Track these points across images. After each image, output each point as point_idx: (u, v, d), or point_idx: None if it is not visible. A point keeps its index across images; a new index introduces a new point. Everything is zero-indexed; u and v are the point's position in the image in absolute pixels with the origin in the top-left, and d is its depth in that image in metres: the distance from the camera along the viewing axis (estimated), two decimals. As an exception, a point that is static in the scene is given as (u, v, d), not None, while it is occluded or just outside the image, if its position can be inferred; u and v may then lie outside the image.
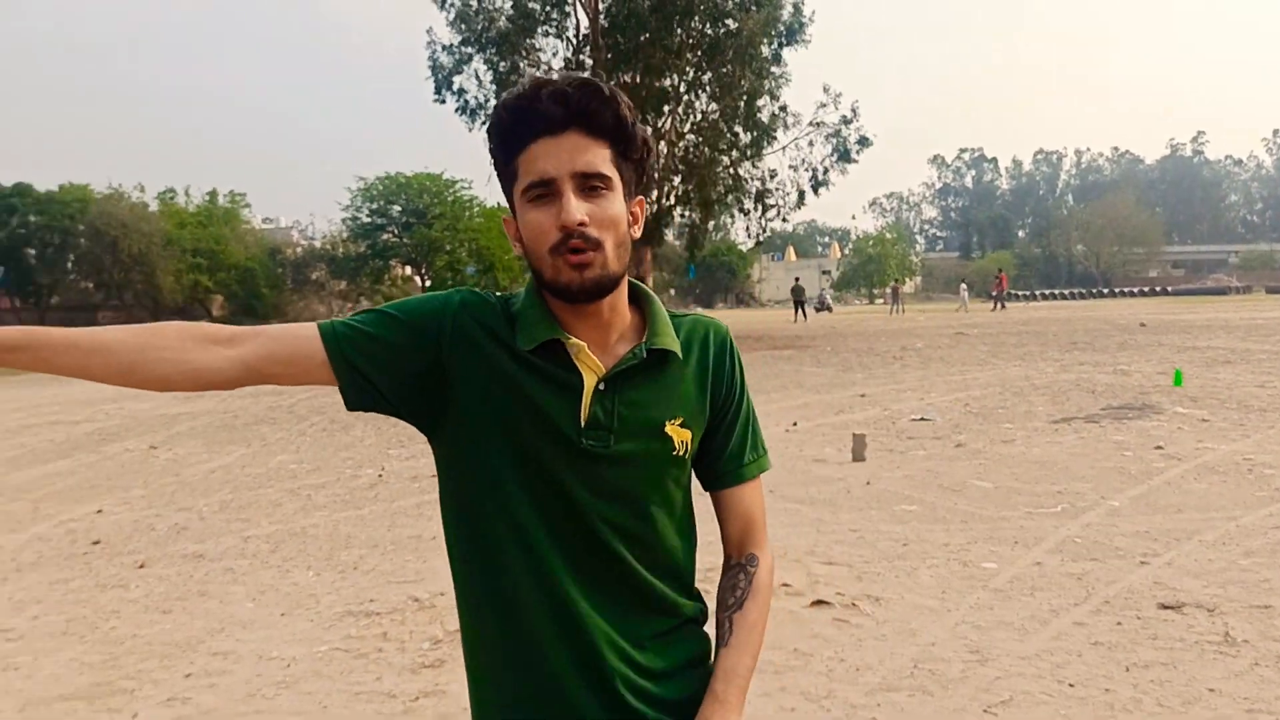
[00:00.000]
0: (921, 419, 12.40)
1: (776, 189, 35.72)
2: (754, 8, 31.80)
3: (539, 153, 1.54)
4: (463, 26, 33.96)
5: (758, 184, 35.59)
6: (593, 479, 1.61)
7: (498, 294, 1.69)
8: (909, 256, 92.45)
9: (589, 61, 34.07)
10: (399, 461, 10.91)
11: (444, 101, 34.51)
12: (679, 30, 32.58)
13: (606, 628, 1.64)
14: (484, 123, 34.97)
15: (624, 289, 1.66)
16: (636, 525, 1.65)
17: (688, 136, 34.72)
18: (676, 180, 34.80)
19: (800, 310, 46.27)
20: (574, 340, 1.61)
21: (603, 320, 1.63)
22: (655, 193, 34.19)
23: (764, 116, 34.26)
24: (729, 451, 1.74)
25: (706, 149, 34.16)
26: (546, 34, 34.67)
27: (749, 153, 34.78)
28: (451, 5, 33.87)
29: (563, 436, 1.60)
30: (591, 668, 1.63)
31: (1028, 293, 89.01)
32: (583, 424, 1.60)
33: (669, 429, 1.65)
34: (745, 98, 33.46)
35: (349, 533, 7.85)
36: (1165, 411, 12.10)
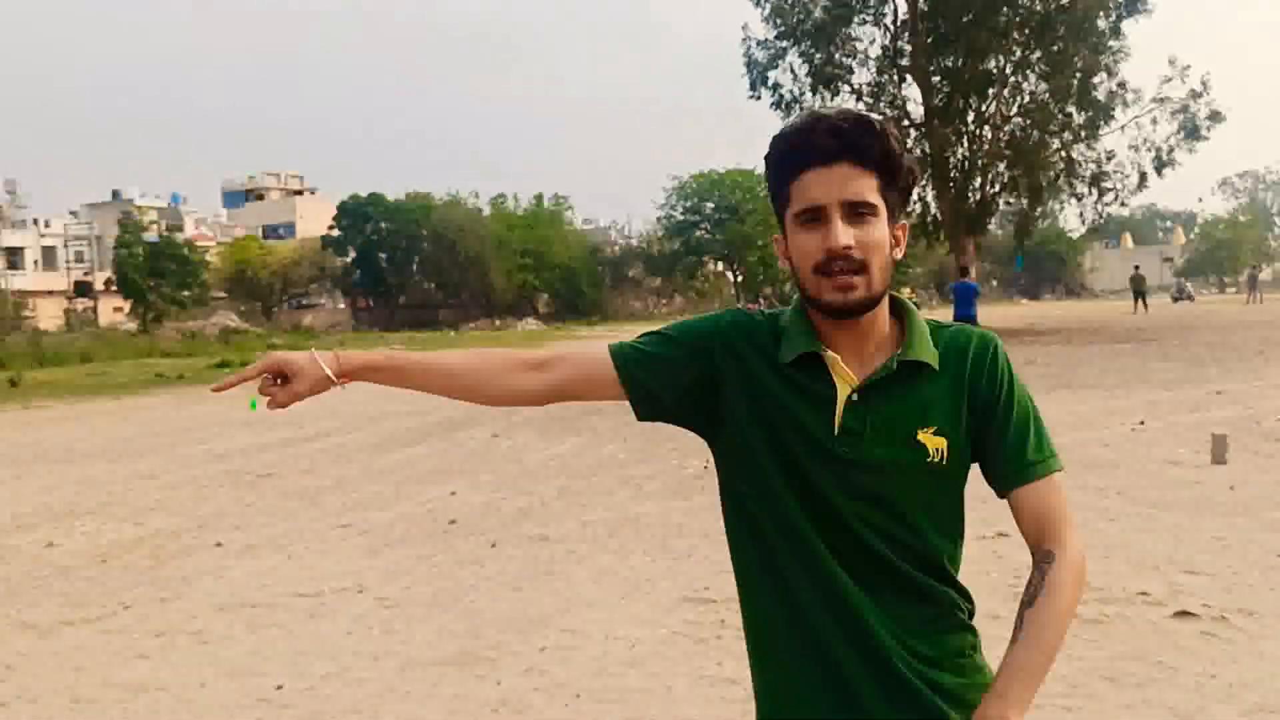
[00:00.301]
0: (1291, 419, 11.20)
1: (1114, 171, 33.50)
2: (1092, -21, 29.96)
3: (811, 181, 1.68)
4: (778, 21, 34.00)
5: (1093, 166, 33.48)
6: (848, 483, 1.72)
7: (766, 311, 1.85)
8: (1267, 241, 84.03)
9: (907, 48, 33.26)
10: (724, 453, 11.07)
11: (759, 97, 34.71)
12: (1005, 9, 31.15)
13: (878, 614, 1.73)
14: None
15: (884, 303, 1.77)
16: (894, 527, 1.74)
17: (1014, 120, 33.16)
18: (1002, 166, 33.32)
19: (1141, 301, 43.02)
20: (829, 353, 1.74)
21: (861, 332, 1.75)
22: (979, 180, 32.90)
23: (1100, 94, 32.15)
24: (1006, 454, 1.77)
25: (1035, 131, 32.48)
26: (863, 22, 34.13)
27: (1083, 134, 32.75)
28: (766, 1, 34.01)
29: (818, 443, 1.73)
30: (869, 651, 1.73)
31: None
32: (836, 432, 1.72)
33: (921, 436, 1.73)
34: (1079, 75, 31.55)
35: (680, 521, 8.05)
36: None
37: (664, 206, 74.24)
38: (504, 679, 4.96)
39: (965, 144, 33.61)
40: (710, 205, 72.25)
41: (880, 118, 1.72)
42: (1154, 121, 32.86)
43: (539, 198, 75.12)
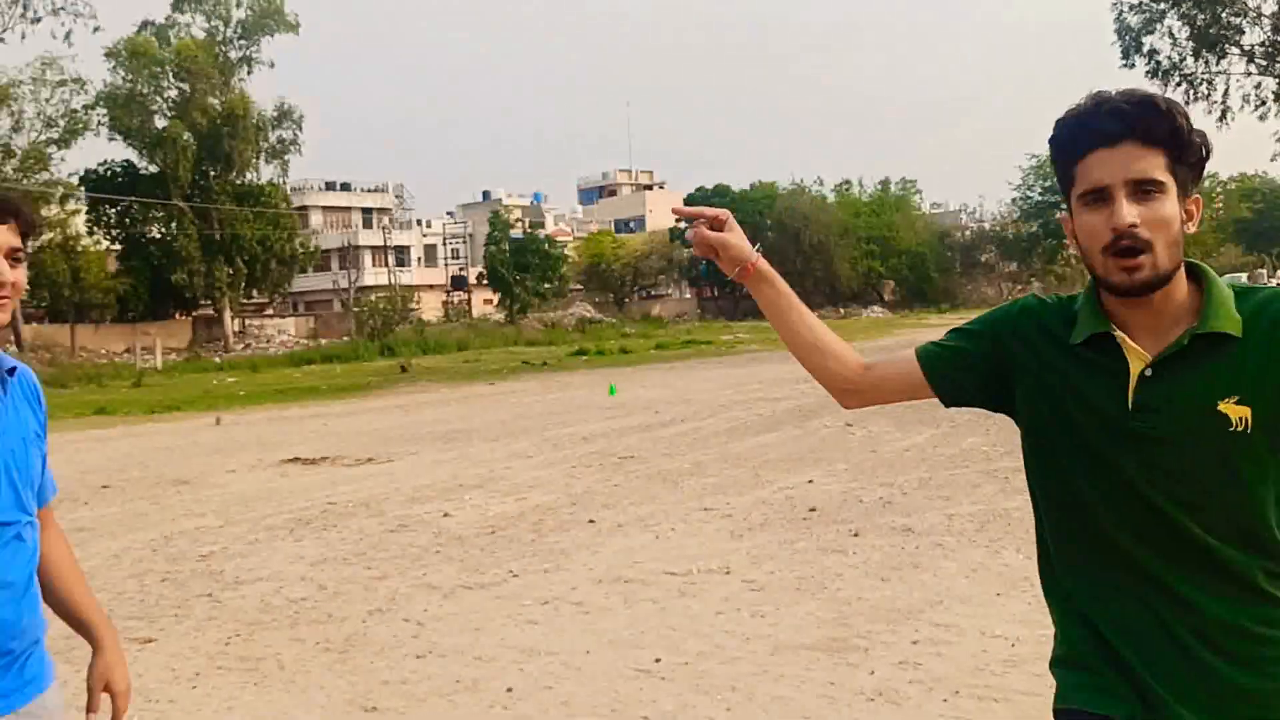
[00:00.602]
0: None
1: None
2: None
3: (1095, 162, 1.69)
4: (1156, -20, 31.41)
5: None
6: (1148, 459, 1.71)
7: (1061, 296, 1.88)
8: None
9: (1307, 0, 29.74)
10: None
11: (1132, 66, 32.27)
12: None
13: (1179, 590, 1.72)
14: (1177, 83, 32.11)
15: (1181, 274, 1.74)
16: (1201, 499, 1.70)
17: None
18: None
19: None
20: (1118, 333, 1.74)
21: (1154, 308, 1.73)
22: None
23: None
24: None
25: None
26: (1259, -26, 30.82)
27: None
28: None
29: (1111, 420, 1.73)
30: (1166, 629, 1.73)
31: None
32: (1130, 408, 1.71)
33: (1223, 407, 1.69)
34: None
35: (1053, 517, 7.62)
36: None
37: (1020, 187, 70.74)
38: (877, 669, 4.90)
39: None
40: (1070, 185, 68.09)
41: (1166, 96, 1.72)
42: None
43: (885, 183, 73.83)
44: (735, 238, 2.01)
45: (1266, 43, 31.19)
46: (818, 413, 14.66)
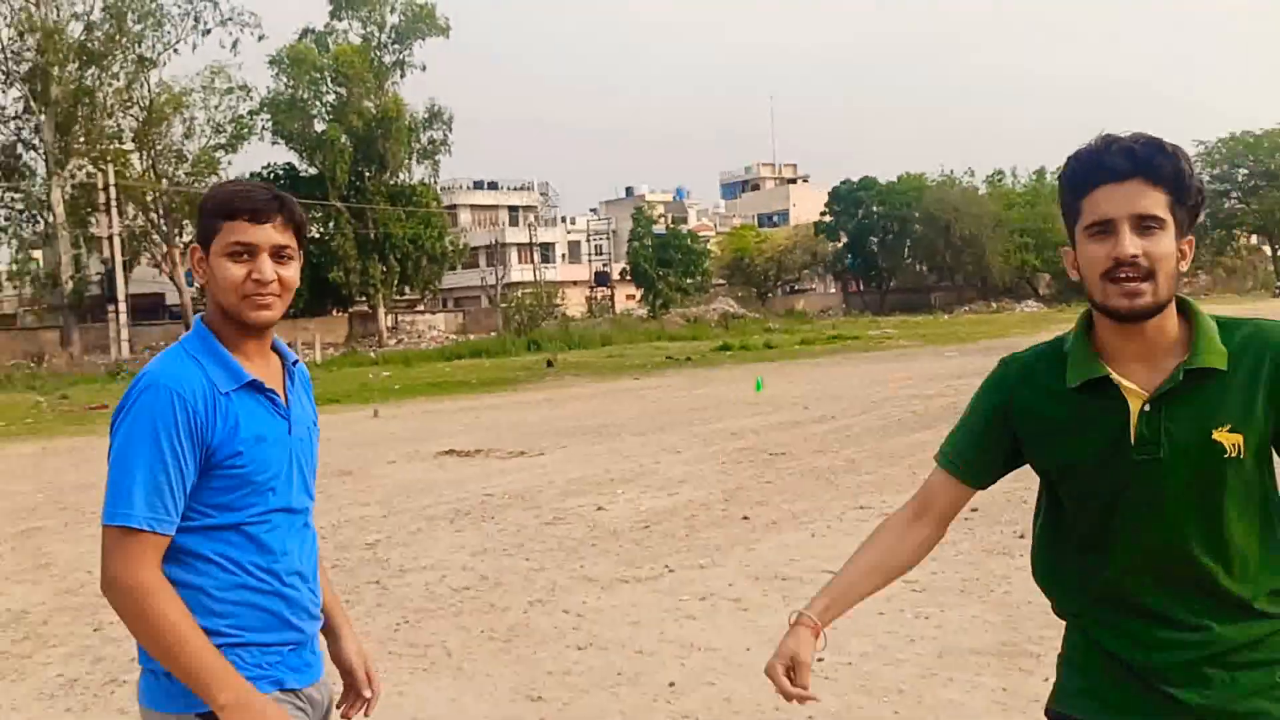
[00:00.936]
0: None
1: None
2: None
3: (1102, 196, 1.81)
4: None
5: None
6: (1152, 489, 1.84)
7: (1041, 344, 2.04)
8: None
9: None
10: None
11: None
12: None
13: (1180, 620, 1.87)
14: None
15: (1172, 308, 1.86)
16: (1204, 526, 1.83)
17: None
18: None
19: None
20: (1114, 376, 1.86)
21: (1148, 338, 1.85)
22: None
23: None
24: None
25: None
26: None
27: None
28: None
29: (1117, 456, 1.85)
30: (1168, 651, 1.87)
31: None
32: (1133, 442, 1.84)
33: (1217, 435, 1.81)
34: None
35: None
36: None
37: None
38: (1051, 676, 4.71)
39: None
40: (1243, 171, 64.57)
41: (1173, 142, 1.84)
42: None
43: (1040, 173, 71.39)
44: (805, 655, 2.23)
45: None
46: (973, 410, 14.26)
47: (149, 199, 43.72)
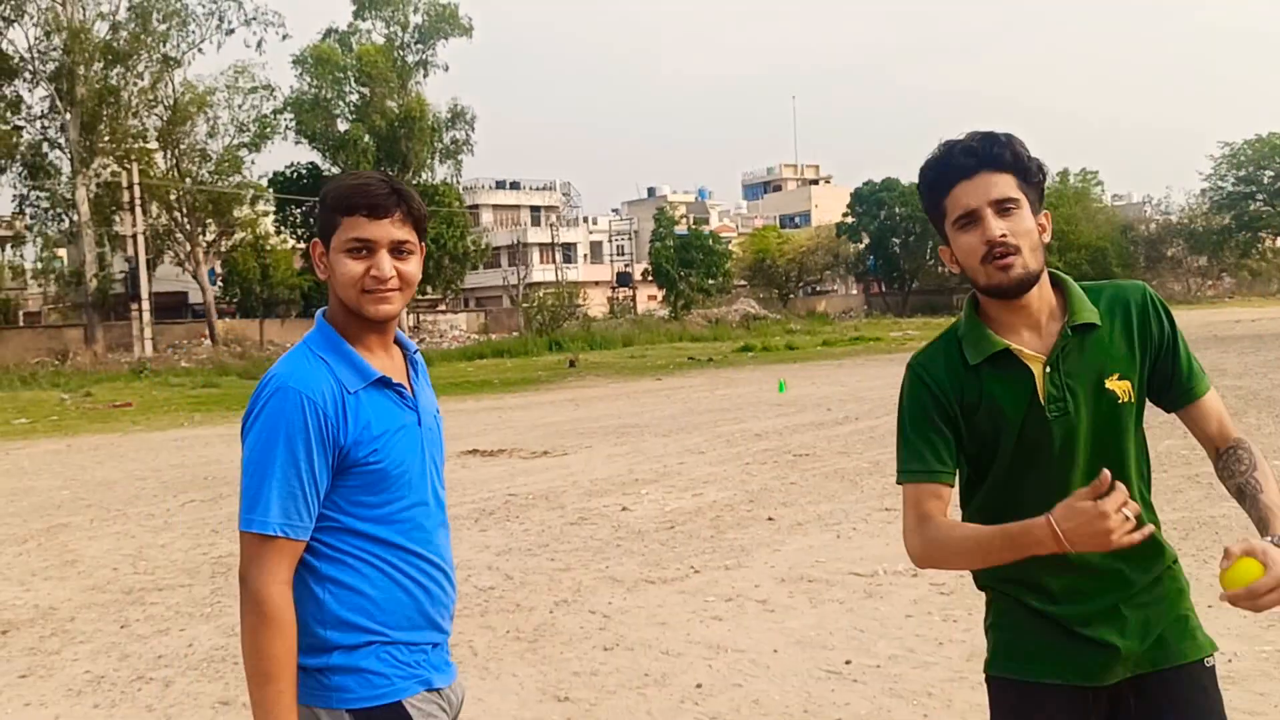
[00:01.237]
0: None
1: None
2: None
3: (960, 192, 2.04)
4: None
5: None
6: (1067, 439, 2.04)
7: (934, 340, 2.19)
8: None
9: None
10: (1310, 453, 9.73)
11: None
12: None
13: (1096, 566, 2.04)
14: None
15: (1045, 280, 2.09)
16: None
17: None
18: None
19: None
20: (1013, 346, 2.06)
21: (1032, 308, 2.07)
22: None
23: None
24: (1178, 378, 2.12)
25: None
26: None
27: None
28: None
29: (1031, 414, 2.05)
30: (1087, 593, 2.07)
31: None
32: (1044, 399, 2.04)
33: (1109, 384, 2.06)
34: None
35: (1266, 527, 7.17)
36: None
37: (1211, 177, 66.93)
38: (1082, 681, 4.68)
39: None
40: (1269, 174, 63.91)
41: (1005, 131, 2.07)
42: None
43: (1063, 174, 70.95)
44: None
45: None
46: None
47: (173, 198, 43.92)
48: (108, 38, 40.73)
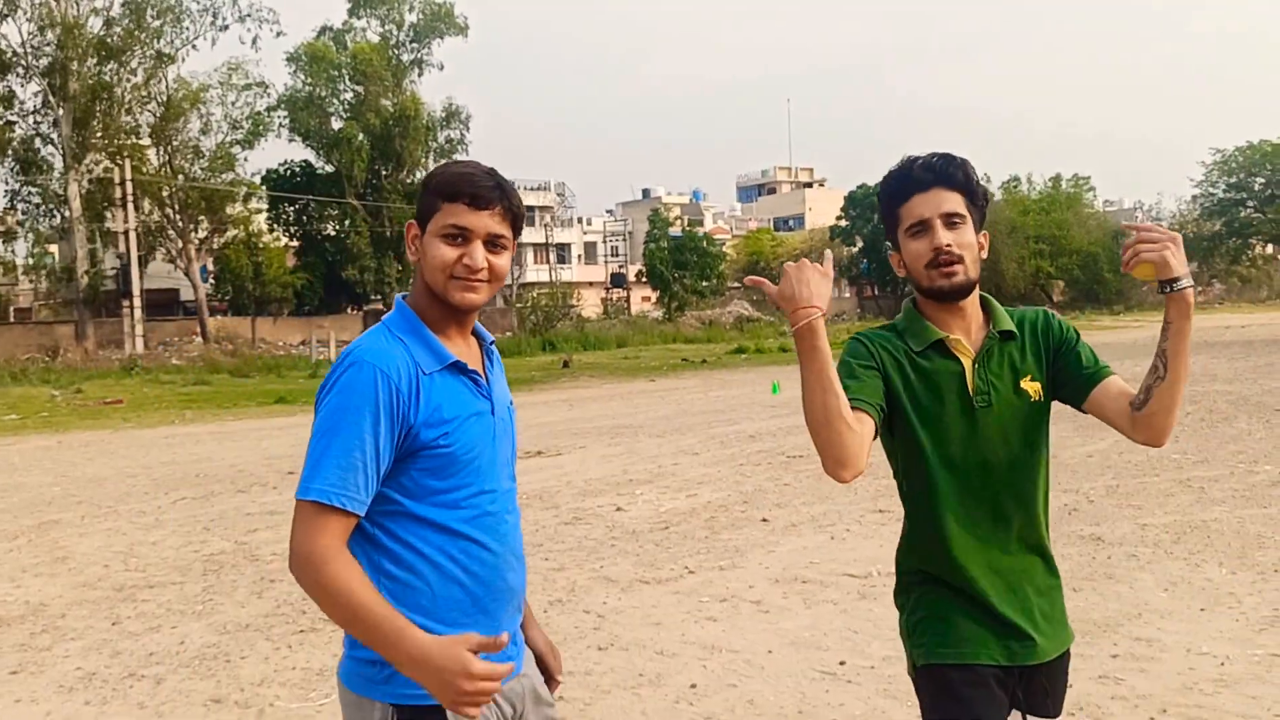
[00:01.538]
0: None
1: None
2: None
3: (915, 203, 2.29)
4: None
5: None
6: (985, 427, 2.29)
7: (883, 325, 2.42)
8: None
9: None
10: (1301, 459, 9.77)
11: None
12: None
13: (982, 540, 2.31)
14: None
15: (976, 294, 2.36)
16: (1018, 457, 2.30)
17: None
18: None
19: None
20: (952, 337, 2.32)
21: (966, 314, 2.34)
22: None
23: None
24: (1084, 366, 2.34)
25: None
26: None
27: None
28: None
29: (960, 402, 2.29)
30: (1000, 571, 2.31)
31: None
32: (971, 391, 2.29)
33: (1024, 384, 2.33)
34: None
35: (1258, 531, 7.20)
36: None
37: (1202, 184, 67.06)
38: (1075, 682, 4.64)
39: None
40: (1260, 181, 64.08)
41: (961, 156, 2.34)
42: None
43: (1056, 179, 71.11)
44: (794, 288, 2.09)
45: None
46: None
47: (165, 194, 43.79)
48: (101, 33, 40.58)
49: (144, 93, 42.54)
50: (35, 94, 40.73)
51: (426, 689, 1.87)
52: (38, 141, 41.20)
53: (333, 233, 51.55)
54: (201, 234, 46.27)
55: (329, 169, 49.80)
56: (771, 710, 4.56)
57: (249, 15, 43.00)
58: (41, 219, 42.86)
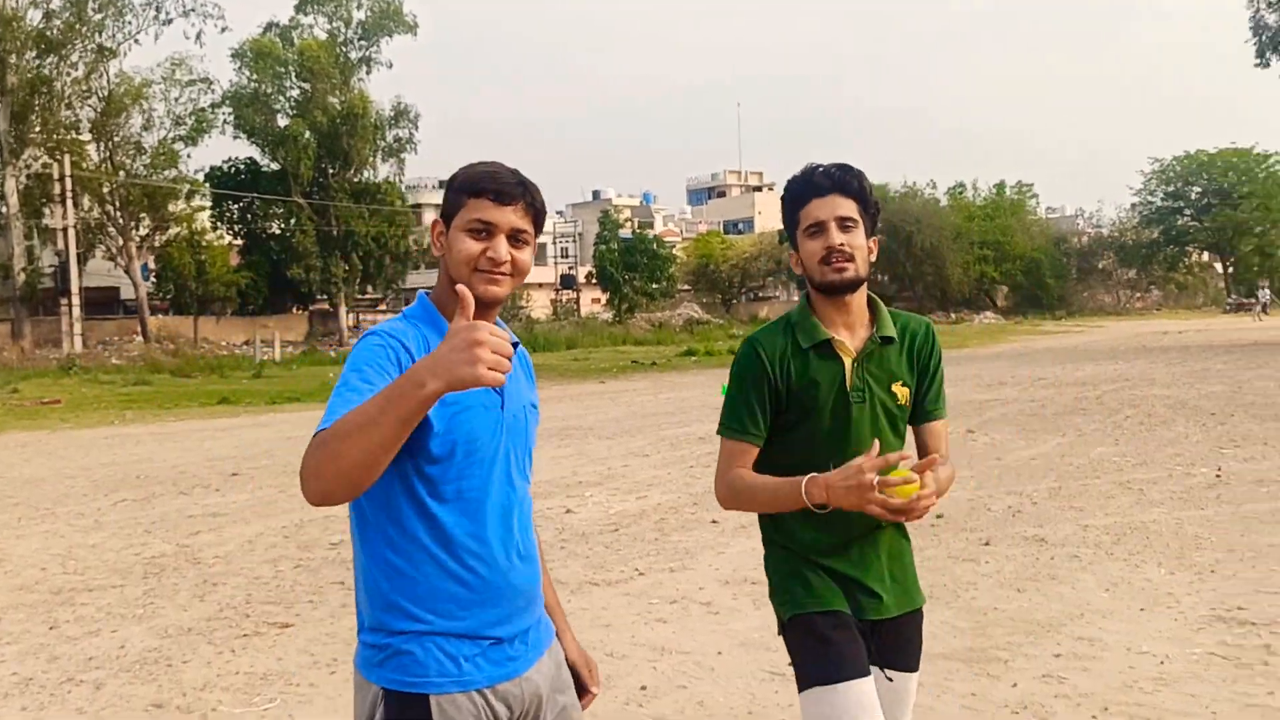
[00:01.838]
0: None
1: None
2: None
3: (814, 207, 2.54)
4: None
5: None
6: (857, 421, 2.55)
7: (771, 323, 2.67)
8: None
9: None
10: (1237, 463, 9.98)
11: (1267, 65, 30.93)
12: None
13: (869, 532, 2.59)
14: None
15: (864, 292, 2.59)
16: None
17: None
18: None
19: None
20: (835, 338, 2.56)
21: (852, 311, 2.58)
22: None
23: None
24: (929, 401, 2.65)
25: None
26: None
27: None
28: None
29: (838, 397, 2.54)
30: (859, 543, 2.60)
31: None
32: (849, 388, 2.54)
33: (895, 388, 2.58)
34: None
35: (1195, 533, 7.34)
36: None
37: (1141, 192, 68.44)
38: (1019, 681, 4.76)
39: None
40: (1196, 190, 65.57)
41: (856, 167, 2.57)
42: None
43: (1000, 186, 72.16)
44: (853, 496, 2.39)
45: None
46: (936, 418, 14.36)
47: (105, 191, 43.02)
48: (41, 26, 39.81)
49: (84, 87, 41.80)
50: (-29, 87, 39.81)
51: (450, 382, 1.69)
52: (-27, 135, 40.29)
53: (278, 231, 50.95)
54: (143, 231, 45.50)
55: (274, 167, 49.22)
56: (721, 711, 4.58)
57: (193, 10, 42.43)
58: (-24, 215, 41.92)
